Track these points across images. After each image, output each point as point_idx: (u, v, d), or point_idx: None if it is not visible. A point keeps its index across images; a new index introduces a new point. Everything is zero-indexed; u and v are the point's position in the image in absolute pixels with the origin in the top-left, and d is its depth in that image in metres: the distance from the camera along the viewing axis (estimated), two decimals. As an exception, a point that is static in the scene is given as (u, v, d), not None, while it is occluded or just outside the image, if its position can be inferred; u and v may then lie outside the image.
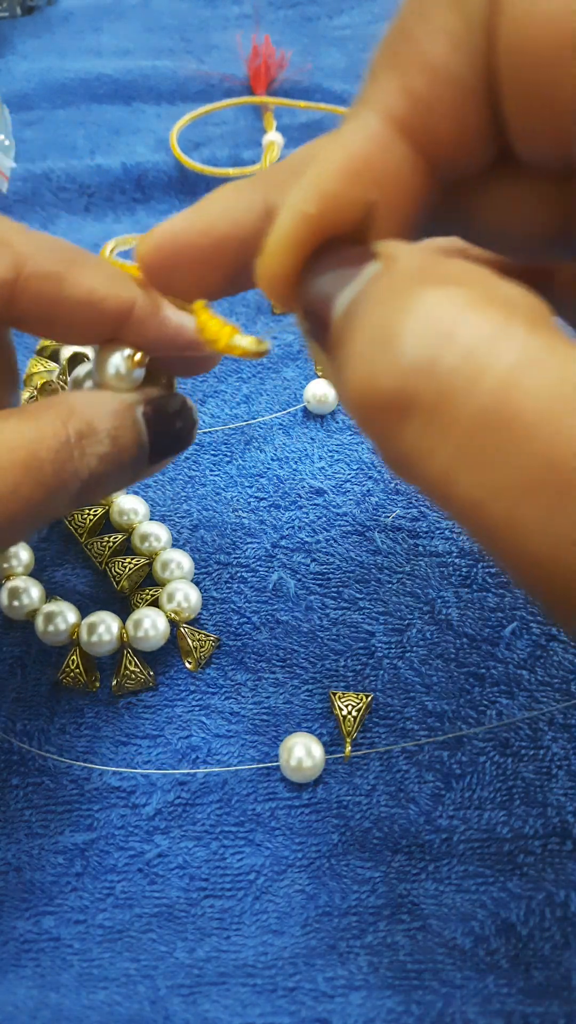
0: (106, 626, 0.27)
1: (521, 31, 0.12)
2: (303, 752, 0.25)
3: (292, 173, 0.16)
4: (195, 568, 0.30)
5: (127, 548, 0.30)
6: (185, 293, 0.18)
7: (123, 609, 0.29)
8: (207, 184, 0.45)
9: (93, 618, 0.28)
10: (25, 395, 0.32)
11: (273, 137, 0.44)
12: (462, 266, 0.12)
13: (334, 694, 0.27)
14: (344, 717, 0.26)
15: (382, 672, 0.27)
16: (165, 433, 0.21)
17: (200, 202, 0.18)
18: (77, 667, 0.27)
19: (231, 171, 0.42)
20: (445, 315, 0.10)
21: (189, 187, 0.45)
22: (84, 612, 0.28)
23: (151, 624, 0.27)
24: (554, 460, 0.10)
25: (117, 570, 0.29)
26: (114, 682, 0.27)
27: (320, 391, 0.34)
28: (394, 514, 0.30)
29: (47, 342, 0.37)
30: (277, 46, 0.50)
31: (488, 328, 0.10)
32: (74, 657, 0.27)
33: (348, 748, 0.26)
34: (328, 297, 0.13)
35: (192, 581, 0.30)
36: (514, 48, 0.12)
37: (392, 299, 0.11)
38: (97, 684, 0.28)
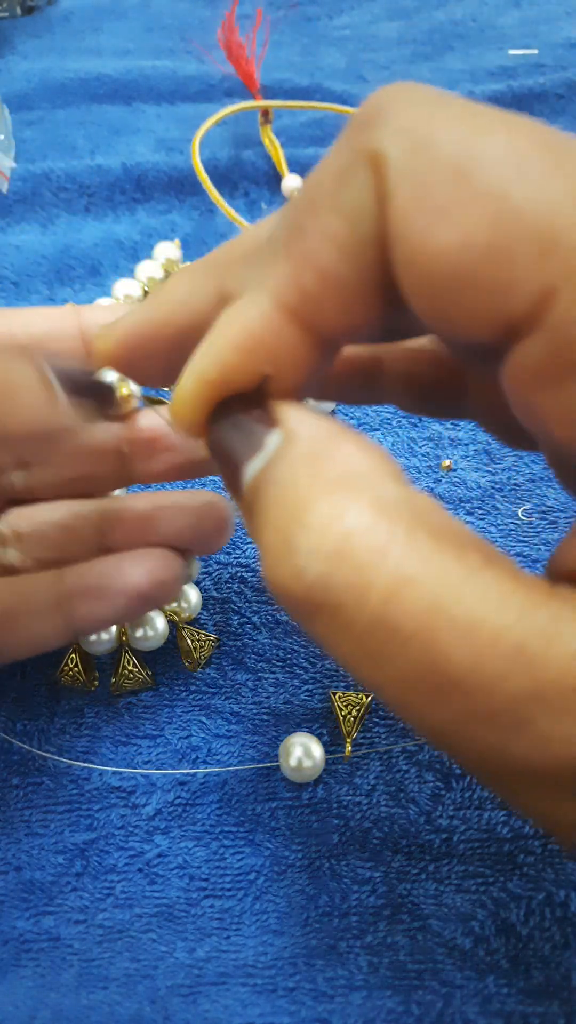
0: (106, 626, 0.27)
1: (417, 263, 0.13)
2: (303, 752, 0.25)
3: (243, 257, 0.16)
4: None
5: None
6: (151, 381, 0.20)
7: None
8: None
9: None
10: None
11: (292, 183, 0.43)
12: (355, 458, 0.13)
13: (334, 694, 0.27)
14: (344, 717, 0.26)
15: (382, 672, 0.27)
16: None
17: (156, 293, 0.18)
18: (76, 666, 0.27)
19: (242, 222, 0.41)
20: (337, 531, 0.12)
21: (189, 187, 0.45)
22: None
23: (150, 624, 0.27)
24: (429, 664, 0.12)
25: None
26: (113, 682, 0.27)
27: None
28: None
29: None
30: (279, 47, 0.50)
31: (373, 543, 0.12)
32: (73, 656, 0.27)
33: (348, 748, 0.26)
34: (235, 458, 0.14)
35: (192, 581, 0.30)
36: (411, 275, 0.13)
37: (292, 506, 0.13)
38: (96, 684, 0.28)
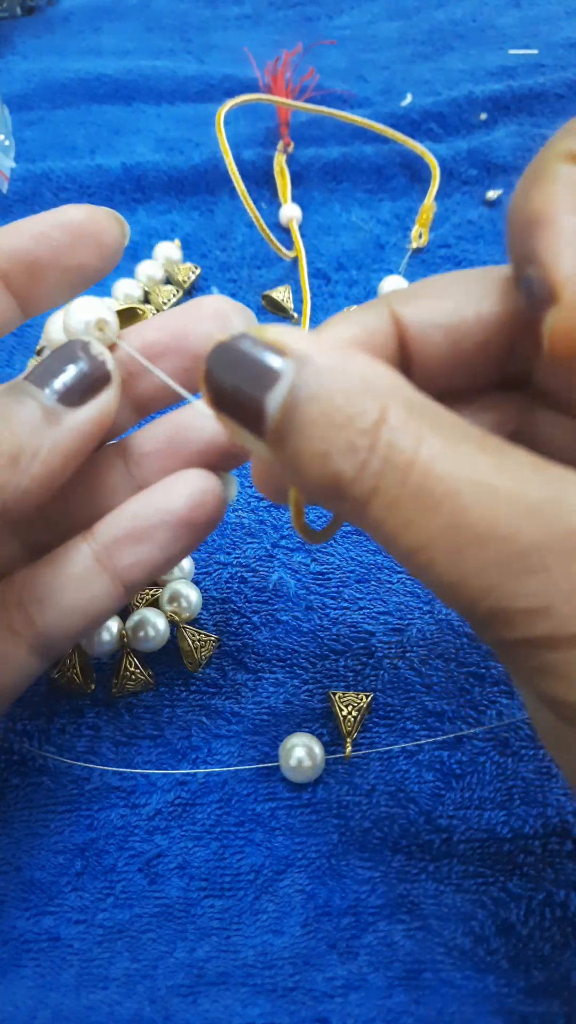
0: (106, 627, 0.27)
1: (421, 338, 0.18)
2: (303, 752, 0.25)
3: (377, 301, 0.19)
4: (195, 568, 0.30)
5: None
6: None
7: (123, 609, 0.29)
8: (207, 185, 0.45)
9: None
10: None
11: (291, 212, 0.43)
12: (371, 368, 0.15)
13: (334, 694, 0.27)
14: (344, 717, 0.26)
15: (382, 672, 0.27)
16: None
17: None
18: (74, 667, 0.27)
19: (270, 236, 0.41)
20: (382, 429, 0.14)
21: (189, 187, 0.45)
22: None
23: (151, 625, 0.27)
24: (457, 522, 0.14)
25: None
26: (114, 683, 0.27)
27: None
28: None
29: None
30: (279, 47, 0.50)
31: (413, 433, 0.14)
32: (71, 657, 0.27)
33: (348, 748, 0.26)
34: (253, 397, 0.15)
35: (192, 581, 0.30)
36: (417, 348, 0.18)
37: (336, 414, 0.15)
38: (93, 686, 0.28)
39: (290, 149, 0.45)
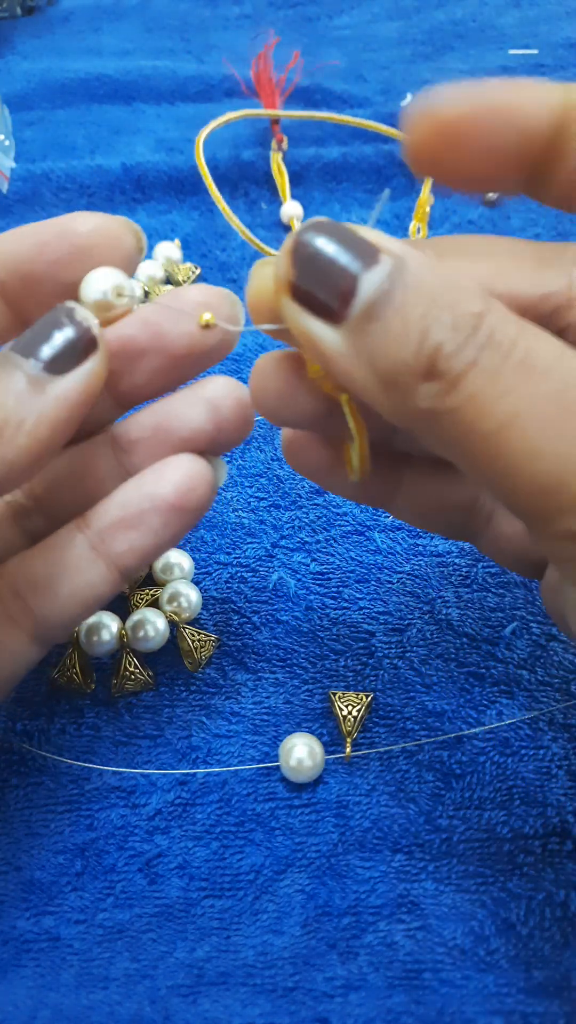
0: (105, 627, 0.27)
1: None
2: (303, 752, 0.25)
3: None
4: (195, 568, 0.30)
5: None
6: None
7: (122, 609, 0.29)
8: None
9: (92, 619, 0.27)
10: None
11: (291, 210, 0.43)
12: (465, 270, 0.16)
13: (334, 694, 0.27)
14: (344, 717, 0.26)
15: (382, 672, 0.27)
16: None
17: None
18: (74, 666, 0.27)
19: (240, 224, 0.41)
20: (488, 322, 0.15)
21: (189, 187, 0.45)
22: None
23: (151, 625, 0.27)
24: (561, 389, 0.14)
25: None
26: (114, 684, 0.27)
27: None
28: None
29: None
30: (278, 47, 0.50)
31: (512, 322, 0.15)
32: (71, 657, 0.27)
33: (348, 748, 0.26)
34: (348, 271, 0.15)
35: (192, 581, 0.30)
36: None
37: (441, 302, 0.15)
38: (93, 686, 0.28)
39: (284, 145, 0.45)
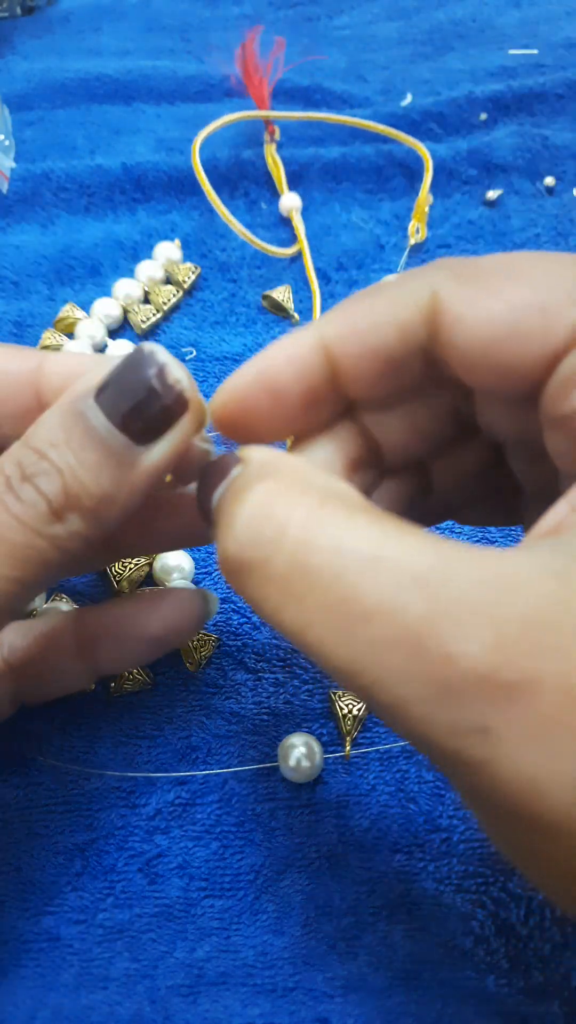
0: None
1: (467, 329, 0.17)
2: (303, 752, 0.25)
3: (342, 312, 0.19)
4: (195, 568, 0.30)
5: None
6: (263, 436, 0.19)
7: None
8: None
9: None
10: None
11: (290, 202, 0.43)
12: (291, 460, 0.17)
13: (334, 694, 0.27)
14: (344, 717, 0.26)
15: (382, 672, 0.27)
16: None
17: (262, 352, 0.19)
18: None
19: (238, 225, 0.41)
20: (260, 503, 0.15)
21: (189, 187, 0.45)
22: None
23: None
24: (340, 598, 0.14)
25: (117, 570, 0.29)
26: (113, 684, 0.27)
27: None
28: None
29: (65, 315, 0.38)
30: (271, 45, 0.50)
31: (288, 505, 0.15)
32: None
33: (348, 748, 0.26)
34: (208, 489, 0.17)
35: (192, 581, 0.30)
36: (462, 339, 0.17)
37: (235, 498, 0.16)
38: (92, 686, 0.28)
39: (276, 136, 0.45)
